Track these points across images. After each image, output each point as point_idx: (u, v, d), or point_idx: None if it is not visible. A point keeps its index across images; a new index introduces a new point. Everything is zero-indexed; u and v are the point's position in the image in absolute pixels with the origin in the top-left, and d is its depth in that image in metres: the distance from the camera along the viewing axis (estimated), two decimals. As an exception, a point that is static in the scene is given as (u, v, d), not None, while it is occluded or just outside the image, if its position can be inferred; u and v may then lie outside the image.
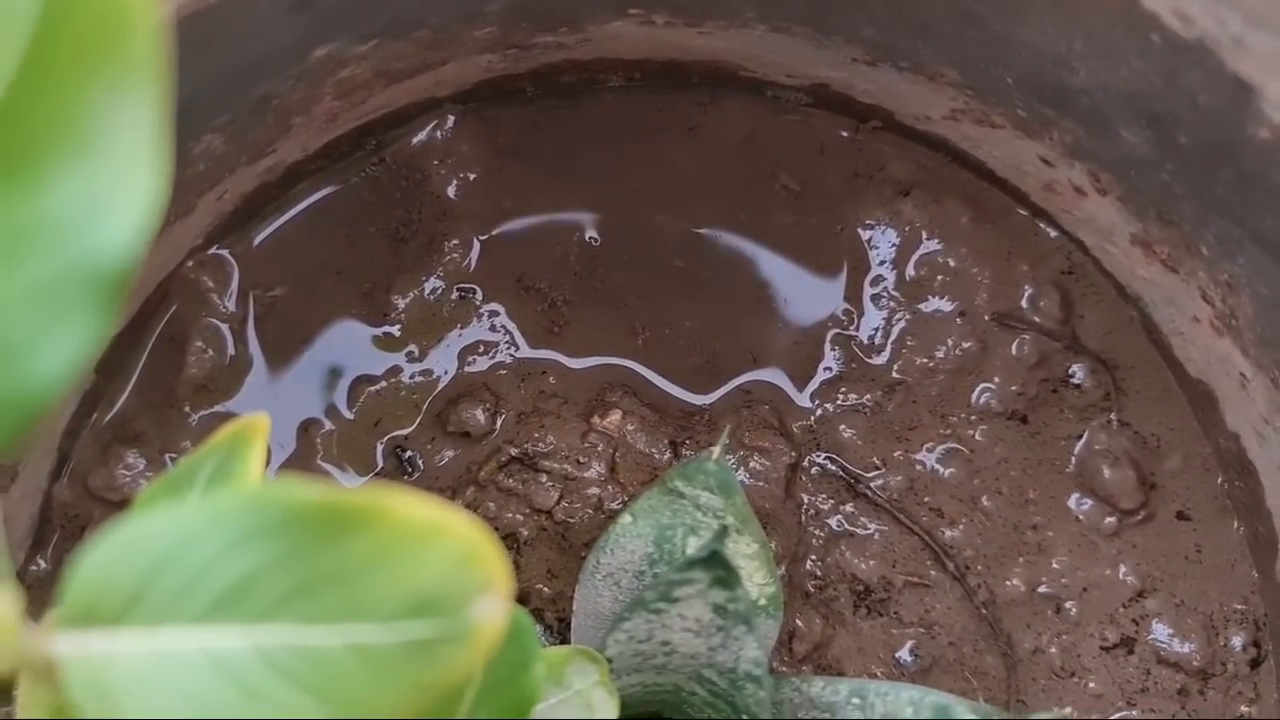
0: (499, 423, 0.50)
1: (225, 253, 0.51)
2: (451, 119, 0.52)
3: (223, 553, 0.17)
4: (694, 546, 0.43)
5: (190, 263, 0.50)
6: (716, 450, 0.44)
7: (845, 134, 0.53)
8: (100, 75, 0.15)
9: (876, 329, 0.52)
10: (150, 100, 0.15)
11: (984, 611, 0.50)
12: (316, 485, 0.18)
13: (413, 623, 0.17)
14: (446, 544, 0.18)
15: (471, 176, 0.52)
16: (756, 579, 0.43)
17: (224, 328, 0.50)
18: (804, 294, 0.53)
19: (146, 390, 0.50)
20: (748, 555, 0.43)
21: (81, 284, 0.15)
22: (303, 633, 0.17)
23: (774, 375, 0.52)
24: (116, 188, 0.15)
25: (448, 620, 0.17)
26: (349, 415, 0.50)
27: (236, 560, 0.17)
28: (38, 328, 0.15)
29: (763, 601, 0.43)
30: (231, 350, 0.50)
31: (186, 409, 0.50)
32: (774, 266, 0.53)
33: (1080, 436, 0.51)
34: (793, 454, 0.50)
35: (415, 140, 0.52)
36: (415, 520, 0.18)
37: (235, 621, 0.17)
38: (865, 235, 0.53)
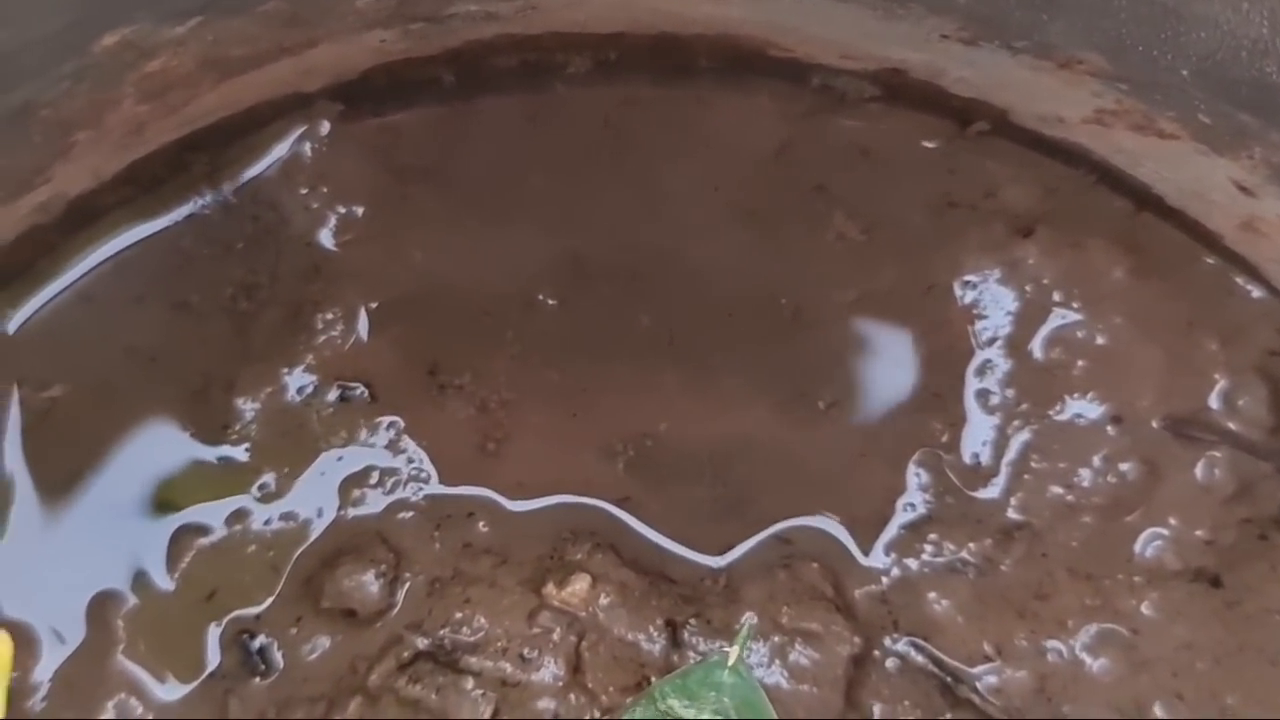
0: (401, 595, 0.50)
1: (-24, 331, 0.50)
2: (326, 125, 0.52)
3: None
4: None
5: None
6: (734, 650, 0.43)
7: (933, 144, 0.53)
8: None
9: (985, 444, 0.51)
10: None
11: None
12: None
13: None
14: None
15: (359, 211, 0.52)
16: None
17: (-28, 444, 0.49)
18: (872, 390, 0.52)
19: None
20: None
21: None
22: None
23: (827, 517, 0.51)
24: None
25: None
26: (168, 584, 0.49)
27: None
28: None
29: None
30: (-14, 478, 0.49)
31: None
32: (825, 348, 0.52)
33: (1306, 608, 0.49)
34: (856, 640, 0.49)
35: (270, 158, 0.52)
36: None
37: None
38: (965, 298, 0.52)
